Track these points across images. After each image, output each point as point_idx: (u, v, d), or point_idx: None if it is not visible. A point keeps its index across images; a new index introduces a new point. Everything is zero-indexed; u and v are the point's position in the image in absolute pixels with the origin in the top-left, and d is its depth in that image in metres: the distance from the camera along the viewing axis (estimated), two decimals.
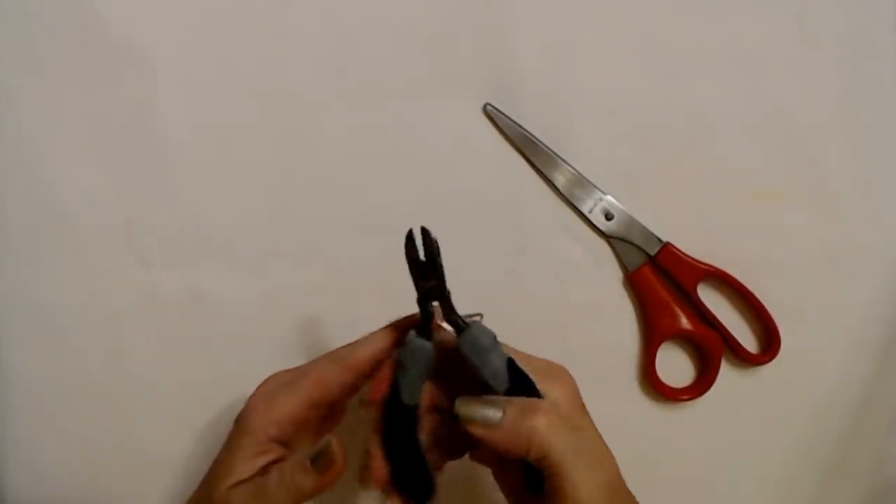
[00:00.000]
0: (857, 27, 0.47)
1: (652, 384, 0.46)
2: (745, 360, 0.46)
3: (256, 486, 0.33)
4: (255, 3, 0.46)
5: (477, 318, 0.35)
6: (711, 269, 0.46)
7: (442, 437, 0.34)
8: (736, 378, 0.47)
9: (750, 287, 0.46)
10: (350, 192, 0.46)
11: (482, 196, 0.46)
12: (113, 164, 0.46)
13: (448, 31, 0.46)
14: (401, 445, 0.33)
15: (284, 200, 0.46)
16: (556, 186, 0.46)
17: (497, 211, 0.46)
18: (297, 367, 0.36)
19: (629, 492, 0.33)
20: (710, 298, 0.47)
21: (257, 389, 0.36)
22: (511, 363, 0.33)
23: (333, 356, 0.36)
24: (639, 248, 0.46)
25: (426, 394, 0.34)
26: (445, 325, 0.34)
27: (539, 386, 0.33)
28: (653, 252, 0.46)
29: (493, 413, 0.31)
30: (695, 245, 0.46)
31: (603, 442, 0.33)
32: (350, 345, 0.36)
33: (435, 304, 0.33)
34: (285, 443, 0.35)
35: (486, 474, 0.36)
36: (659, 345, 0.46)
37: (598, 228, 0.46)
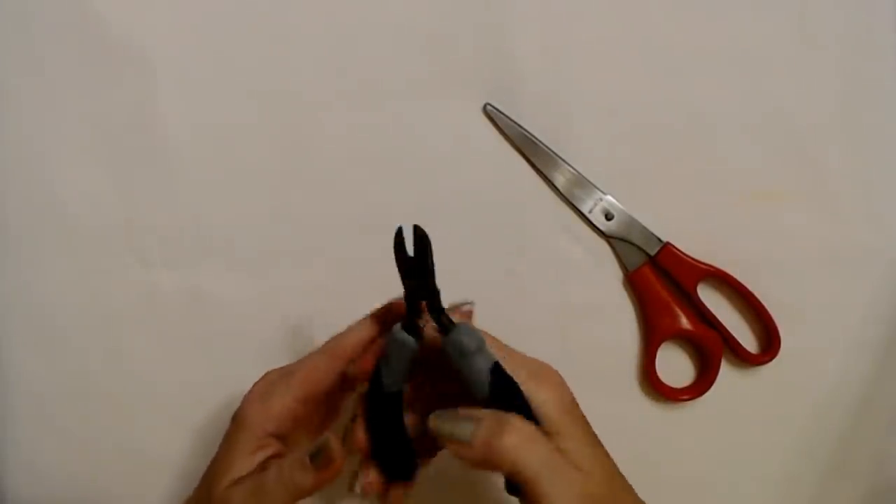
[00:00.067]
0: (857, 27, 0.47)
1: (652, 384, 0.46)
2: (745, 360, 0.46)
3: (255, 484, 0.33)
4: (255, 3, 0.46)
5: (468, 308, 0.35)
6: (711, 269, 0.46)
7: (424, 432, 0.34)
8: (736, 378, 0.47)
9: (750, 287, 0.46)
10: (350, 192, 0.46)
11: (482, 196, 0.46)
12: (113, 164, 0.46)
13: (448, 31, 0.46)
14: (382, 425, 0.34)
15: (284, 200, 0.46)
16: (556, 186, 0.46)
17: (497, 211, 0.46)
18: (289, 364, 0.36)
19: (616, 496, 0.32)
20: (710, 298, 0.47)
21: (253, 387, 0.36)
22: (497, 368, 0.32)
23: (323, 348, 0.36)
24: (639, 248, 0.46)
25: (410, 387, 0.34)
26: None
27: (527, 389, 0.32)
28: (653, 252, 0.46)
29: (464, 430, 0.31)
30: (695, 245, 0.46)
31: (592, 445, 0.32)
32: (338, 335, 0.36)
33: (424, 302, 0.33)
34: (282, 438, 0.35)
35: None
36: (659, 345, 0.46)
37: (598, 228, 0.46)
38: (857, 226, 0.47)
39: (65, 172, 0.46)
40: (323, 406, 0.36)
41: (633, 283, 0.46)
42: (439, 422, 0.32)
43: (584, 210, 0.46)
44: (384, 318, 0.36)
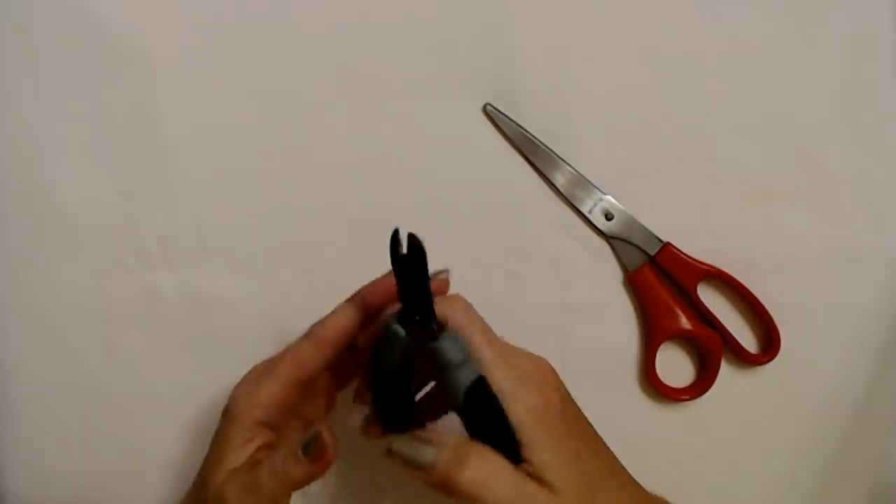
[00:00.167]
0: (857, 27, 0.47)
1: (652, 384, 0.46)
2: (745, 360, 0.46)
3: (250, 478, 0.33)
4: (255, 3, 0.46)
5: (444, 277, 0.36)
6: (711, 269, 0.46)
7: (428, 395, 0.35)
8: (736, 378, 0.47)
9: (750, 287, 0.46)
10: (350, 191, 0.46)
11: (482, 196, 0.46)
12: (113, 164, 0.46)
13: (448, 31, 0.46)
14: (384, 394, 0.35)
15: (284, 200, 0.46)
16: (556, 186, 0.46)
17: (497, 211, 0.46)
18: (274, 355, 0.36)
19: None
20: (710, 298, 0.47)
21: (240, 379, 0.36)
22: (477, 385, 0.31)
23: (307, 335, 0.36)
24: (639, 248, 0.46)
25: None
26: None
27: (510, 396, 0.31)
28: (653, 252, 0.46)
29: (425, 456, 0.31)
30: (695, 245, 0.46)
31: (571, 458, 0.31)
32: (320, 322, 0.36)
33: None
34: (273, 427, 0.35)
35: None
36: (659, 345, 0.46)
37: (598, 228, 0.46)
38: (857, 226, 0.47)
39: (65, 172, 0.46)
40: (311, 392, 0.37)
41: (633, 283, 0.46)
42: (397, 445, 0.32)
43: (584, 210, 0.46)
44: (362, 302, 0.36)
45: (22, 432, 0.46)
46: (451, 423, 0.34)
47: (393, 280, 0.33)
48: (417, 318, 0.32)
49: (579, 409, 0.34)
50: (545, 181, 0.46)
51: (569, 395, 0.34)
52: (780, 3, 0.47)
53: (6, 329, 0.46)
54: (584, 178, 0.46)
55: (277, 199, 0.46)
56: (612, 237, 0.46)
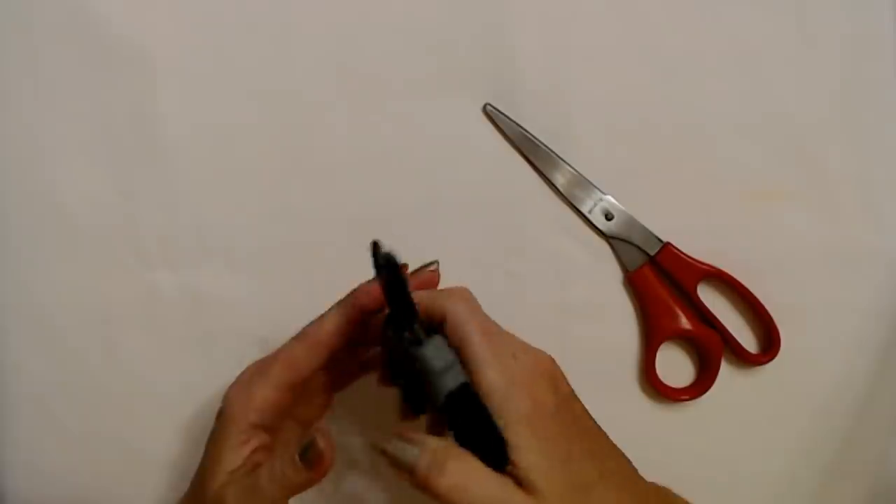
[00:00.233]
0: (857, 27, 0.47)
1: (652, 384, 0.46)
2: (745, 360, 0.46)
3: (249, 482, 0.33)
4: (255, 3, 0.46)
5: (433, 268, 0.36)
6: (711, 269, 0.46)
7: None
8: (736, 378, 0.47)
9: (750, 287, 0.46)
10: (350, 191, 0.46)
11: (482, 196, 0.46)
12: (113, 164, 0.46)
13: (448, 31, 0.46)
14: (402, 377, 0.36)
15: (284, 200, 0.46)
16: (556, 186, 0.46)
17: (497, 211, 0.46)
18: (268, 355, 0.36)
19: None
20: (710, 298, 0.47)
21: (234, 381, 0.36)
22: (459, 392, 0.31)
23: (300, 336, 0.36)
24: (639, 248, 0.46)
25: None
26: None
27: (500, 398, 0.31)
28: (653, 252, 0.46)
29: (408, 456, 0.31)
30: (695, 245, 0.46)
31: (561, 460, 0.31)
32: (314, 323, 0.36)
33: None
34: (268, 429, 0.35)
35: None
36: (659, 345, 0.46)
37: (598, 228, 0.46)
38: (857, 226, 0.47)
39: (65, 172, 0.46)
40: (306, 394, 0.37)
41: (633, 283, 0.46)
42: (384, 444, 0.32)
43: (584, 210, 0.46)
44: (356, 302, 0.36)
45: (22, 432, 0.46)
46: None
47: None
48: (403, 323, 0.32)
49: (582, 409, 0.34)
50: (545, 181, 0.46)
51: (571, 394, 0.34)
52: (780, 3, 0.47)
53: (6, 329, 0.46)
54: (584, 178, 0.46)
55: (277, 199, 0.46)
56: (612, 237, 0.46)
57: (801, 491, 0.47)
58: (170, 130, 0.46)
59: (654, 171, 0.47)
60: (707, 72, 0.47)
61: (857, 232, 0.47)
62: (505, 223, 0.46)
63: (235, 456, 0.34)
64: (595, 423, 0.34)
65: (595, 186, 0.46)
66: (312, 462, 0.32)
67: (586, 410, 0.34)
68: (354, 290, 0.36)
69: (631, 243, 0.46)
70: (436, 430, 0.37)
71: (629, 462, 0.34)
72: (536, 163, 0.46)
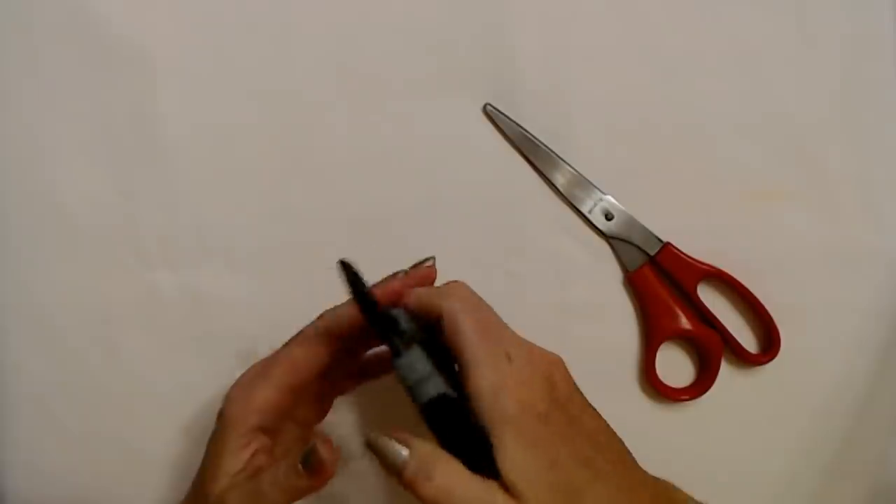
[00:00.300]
0: (857, 27, 0.47)
1: (652, 384, 0.46)
2: (745, 360, 0.46)
3: (252, 487, 0.33)
4: (255, 3, 0.46)
5: (430, 265, 0.36)
6: (711, 269, 0.46)
7: None
8: (736, 378, 0.47)
9: (750, 287, 0.46)
10: (350, 191, 0.46)
11: (482, 196, 0.46)
12: (113, 164, 0.46)
13: (448, 31, 0.46)
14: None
15: (284, 200, 0.46)
16: (556, 186, 0.46)
17: (497, 211, 0.46)
18: (269, 356, 0.36)
19: None
20: (710, 298, 0.47)
21: (234, 383, 0.36)
22: (437, 401, 0.31)
23: (300, 339, 0.36)
24: (639, 248, 0.46)
25: None
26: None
27: (490, 401, 0.31)
28: (653, 252, 0.46)
29: (397, 456, 0.31)
30: (695, 245, 0.46)
31: (547, 465, 0.30)
32: (314, 323, 0.36)
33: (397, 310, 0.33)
34: (268, 431, 0.35)
35: None
36: (659, 345, 0.46)
37: (598, 228, 0.46)
38: (857, 226, 0.47)
39: (65, 172, 0.46)
40: (306, 396, 0.36)
41: (633, 283, 0.46)
42: (374, 436, 0.32)
43: (584, 210, 0.46)
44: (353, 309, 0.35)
45: (22, 432, 0.46)
46: None
47: (391, 285, 0.34)
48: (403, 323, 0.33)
49: (582, 410, 0.33)
50: (545, 181, 0.46)
51: (570, 395, 0.33)
52: (780, 3, 0.47)
53: (6, 329, 0.46)
54: (584, 178, 0.46)
55: (277, 199, 0.46)
56: (612, 237, 0.46)
57: (801, 491, 0.47)
58: (170, 130, 0.46)
59: (654, 171, 0.47)
60: (707, 72, 0.47)
61: (857, 232, 0.47)
62: (505, 223, 0.46)
63: (237, 459, 0.34)
64: (597, 422, 0.34)
65: (595, 186, 0.46)
66: (314, 469, 0.32)
67: (588, 410, 0.34)
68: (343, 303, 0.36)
69: (631, 243, 0.46)
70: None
71: (631, 461, 0.34)
72: (536, 163, 0.46)
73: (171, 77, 0.46)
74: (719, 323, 0.46)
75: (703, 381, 0.46)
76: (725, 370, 0.47)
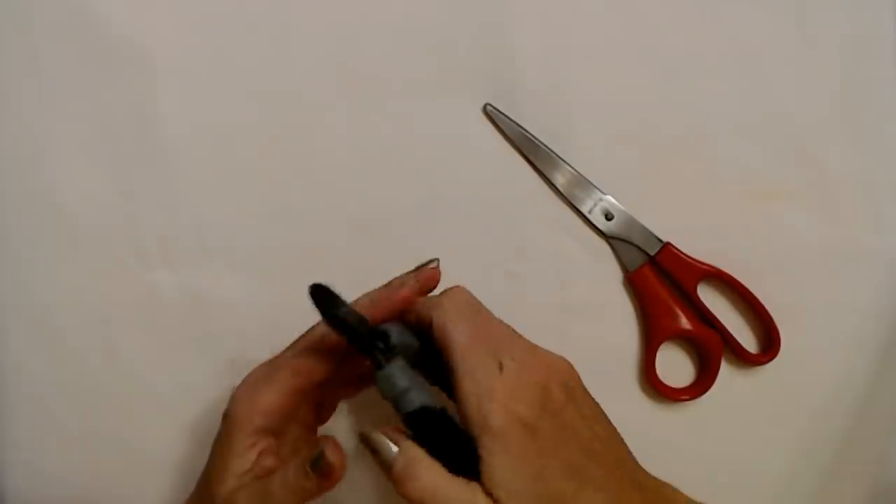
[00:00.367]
0: (857, 27, 0.47)
1: (652, 384, 0.46)
2: (745, 360, 0.46)
3: (261, 488, 0.33)
4: (255, 3, 0.46)
5: (433, 266, 0.36)
6: (711, 269, 0.46)
7: None
8: (736, 378, 0.47)
9: (750, 287, 0.46)
10: (350, 191, 0.46)
11: (482, 196, 0.46)
12: (113, 164, 0.46)
13: (448, 31, 0.46)
14: None
15: (284, 200, 0.46)
16: (556, 186, 0.46)
17: (497, 211, 0.46)
18: (275, 358, 0.36)
19: None
20: (710, 298, 0.47)
21: (239, 384, 0.36)
22: (419, 413, 0.31)
23: (305, 343, 0.36)
24: (639, 248, 0.46)
25: None
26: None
27: (472, 412, 0.31)
28: (653, 252, 0.46)
29: (387, 454, 0.31)
30: (695, 245, 0.46)
31: (531, 477, 0.30)
32: (317, 328, 0.36)
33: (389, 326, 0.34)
34: (273, 432, 0.35)
35: None
36: (659, 345, 0.46)
37: (598, 228, 0.46)
38: (857, 226, 0.47)
39: (65, 172, 0.46)
40: (309, 399, 0.36)
41: (633, 283, 0.46)
42: (368, 431, 0.32)
43: (584, 210, 0.46)
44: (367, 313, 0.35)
45: (22, 432, 0.46)
46: None
47: (400, 293, 0.34)
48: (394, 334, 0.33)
49: (579, 419, 0.32)
50: (545, 181, 0.46)
51: (567, 403, 0.32)
52: (780, 3, 0.47)
53: (6, 329, 0.46)
54: (584, 178, 0.46)
55: (277, 199, 0.46)
56: (612, 237, 0.46)
57: (801, 491, 0.47)
58: (170, 130, 0.46)
59: (654, 171, 0.47)
60: (707, 72, 0.47)
61: (857, 232, 0.47)
62: (505, 223, 0.46)
63: (243, 460, 0.34)
64: (594, 429, 0.33)
65: (595, 186, 0.46)
66: (323, 472, 0.32)
67: (587, 416, 0.33)
68: (361, 300, 0.36)
69: (631, 243, 0.46)
70: None
71: (630, 466, 0.33)
72: (536, 163, 0.46)
73: (171, 77, 0.46)
74: (719, 323, 0.46)
75: (703, 381, 0.46)
76: (725, 370, 0.47)
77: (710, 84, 0.47)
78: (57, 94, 0.46)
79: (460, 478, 0.30)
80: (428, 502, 0.30)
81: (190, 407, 0.46)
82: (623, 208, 0.46)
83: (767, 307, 0.46)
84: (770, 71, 0.47)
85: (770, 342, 0.46)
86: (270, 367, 0.36)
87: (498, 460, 0.30)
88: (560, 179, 0.46)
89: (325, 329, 0.35)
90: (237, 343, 0.46)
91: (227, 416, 0.35)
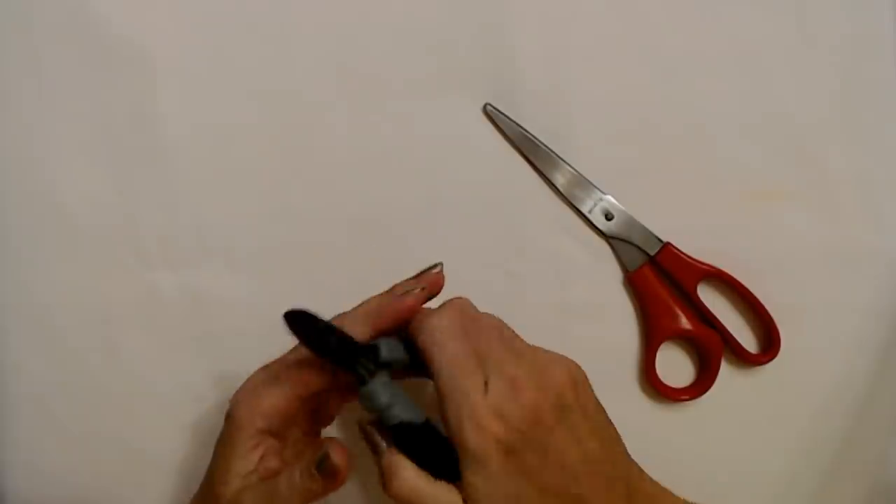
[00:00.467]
0: (857, 27, 0.47)
1: (652, 384, 0.46)
2: (745, 360, 0.46)
3: (267, 489, 0.33)
4: (255, 3, 0.46)
5: (437, 271, 0.36)
6: (711, 269, 0.46)
7: None
8: (736, 378, 0.47)
9: (750, 287, 0.46)
10: (350, 191, 0.46)
11: (482, 196, 0.46)
12: (113, 164, 0.46)
13: (448, 31, 0.46)
14: None
15: (284, 200, 0.46)
16: (556, 186, 0.46)
17: (497, 211, 0.46)
18: (278, 360, 0.36)
19: None
20: (710, 298, 0.47)
21: (241, 386, 0.36)
22: (402, 427, 0.32)
23: (302, 349, 0.36)
24: (639, 248, 0.46)
25: None
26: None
27: (454, 432, 0.31)
28: (653, 252, 0.46)
29: (379, 445, 0.33)
30: (695, 245, 0.46)
31: (515, 496, 0.30)
32: None
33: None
34: (276, 434, 0.35)
35: None
36: (659, 345, 0.46)
37: (598, 228, 0.46)
38: (857, 226, 0.47)
39: (65, 172, 0.46)
40: (311, 403, 0.36)
41: (633, 283, 0.46)
42: (365, 422, 0.33)
43: (584, 210, 0.46)
44: (375, 323, 0.35)
45: (22, 432, 0.46)
46: None
47: (406, 302, 0.34)
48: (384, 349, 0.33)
49: (566, 439, 0.32)
50: (545, 181, 0.46)
51: (558, 420, 0.32)
52: (780, 3, 0.47)
53: (6, 329, 0.46)
54: (584, 178, 0.46)
55: (277, 199, 0.46)
56: (612, 237, 0.46)
57: (801, 491, 0.47)
58: (170, 130, 0.46)
59: (654, 171, 0.47)
60: (707, 72, 0.47)
61: (857, 232, 0.47)
62: (505, 223, 0.46)
63: (247, 461, 0.34)
64: (583, 450, 0.32)
65: (595, 186, 0.46)
66: (328, 474, 0.33)
67: (579, 436, 0.32)
68: (361, 308, 0.36)
69: (631, 243, 0.46)
70: None
71: (620, 488, 0.33)
72: (536, 163, 0.46)
73: (171, 77, 0.46)
74: (719, 323, 0.46)
75: (703, 381, 0.46)
76: (725, 370, 0.47)
77: (710, 84, 0.47)
78: (57, 94, 0.46)
79: (442, 482, 0.31)
80: (414, 500, 0.31)
81: (190, 407, 0.46)
82: (623, 208, 0.46)
83: (767, 307, 0.46)
84: (770, 71, 0.47)
85: (770, 342, 0.46)
86: (273, 372, 0.36)
87: (476, 479, 0.31)
88: (560, 179, 0.46)
89: None
90: (237, 343, 0.46)
91: (229, 417, 0.35)
